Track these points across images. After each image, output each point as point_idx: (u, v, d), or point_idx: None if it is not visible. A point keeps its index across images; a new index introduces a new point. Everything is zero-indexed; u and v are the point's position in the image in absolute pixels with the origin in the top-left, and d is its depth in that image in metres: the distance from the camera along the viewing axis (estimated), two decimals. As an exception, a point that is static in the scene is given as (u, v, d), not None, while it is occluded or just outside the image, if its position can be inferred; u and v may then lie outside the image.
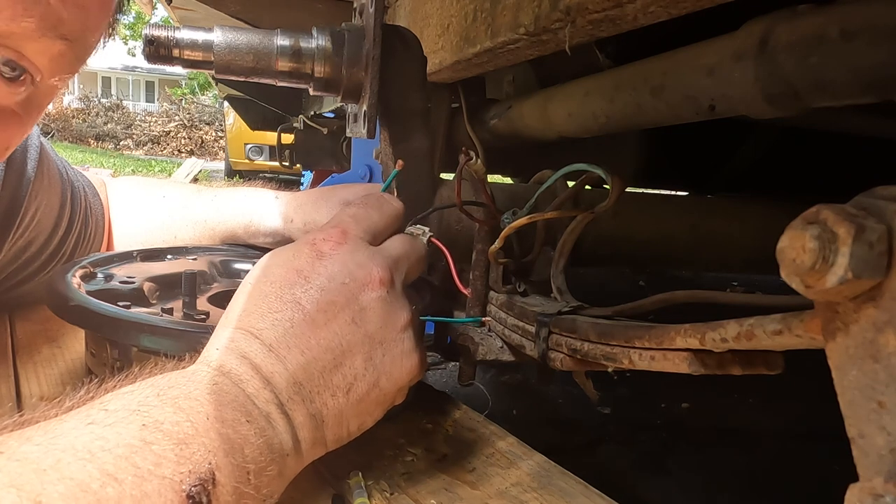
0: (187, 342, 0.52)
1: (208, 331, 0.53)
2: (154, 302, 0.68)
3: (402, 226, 0.53)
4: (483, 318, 0.62)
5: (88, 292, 0.62)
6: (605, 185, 0.57)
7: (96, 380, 0.38)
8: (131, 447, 0.32)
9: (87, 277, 0.68)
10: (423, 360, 0.46)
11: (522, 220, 0.51)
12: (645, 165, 1.29)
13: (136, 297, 0.66)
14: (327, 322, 0.42)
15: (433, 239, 0.54)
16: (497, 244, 0.51)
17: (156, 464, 0.32)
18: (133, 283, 0.68)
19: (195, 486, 0.32)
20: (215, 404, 0.36)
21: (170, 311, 0.64)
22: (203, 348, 0.42)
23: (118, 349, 0.56)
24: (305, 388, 0.41)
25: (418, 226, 0.54)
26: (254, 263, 0.78)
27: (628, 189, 0.59)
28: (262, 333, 0.41)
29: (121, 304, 0.59)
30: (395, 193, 0.68)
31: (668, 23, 0.49)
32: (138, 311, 0.59)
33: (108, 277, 0.70)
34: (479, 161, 0.55)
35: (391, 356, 0.44)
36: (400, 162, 0.55)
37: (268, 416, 0.39)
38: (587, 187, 0.65)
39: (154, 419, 0.33)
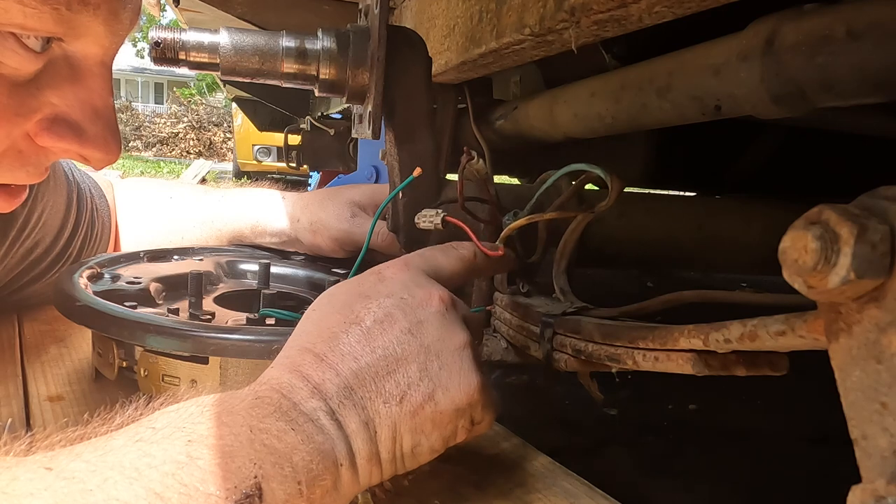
0: (193, 343, 0.53)
1: (213, 331, 0.54)
2: (160, 302, 0.69)
3: (471, 275, 0.52)
4: (488, 307, 0.62)
5: (95, 293, 0.62)
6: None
7: (143, 397, 0.39)
8: (178, 463, 0.32)
9: (93, 278, 0.68)
10: (485, 386, 0.44)
11: (521, 221, 0.51)
12: (653, 166, 1.29)
13: (143, 297, 0.67)
14: (383, 332, 0.42)
15: (448, 217, 0.54)
16: (498, 244, 0.51)
17: (202, 480, 0.32)
18: (139, 283, 0.69)
19: (240, 501, 0.32)
20: (258, 417, 0.36)
21: (176, 312, 0.64)
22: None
23: (124, 349, 0.57)
24: (357, 393, 0.40)
25: (428, 209, 0.54)
26: (259, 263, 0.80)
27: (636, 189, 0.59)
28: (316, 346, 0.41)
29: (127, 304, 0.60)
30: (402, 196, 0.68)
31: (673, 23, 0.49)
32: (144, 312, 0.59)
33: (115, 278, 0.70)
34: (481, 161, 0.55)
35: (448, 370, 0.42)
36: (418, 169, 0.56)
37: (316, 422, 0.38)
38: (593, 187, 0.65)
39: (199, 434, 0.34)
